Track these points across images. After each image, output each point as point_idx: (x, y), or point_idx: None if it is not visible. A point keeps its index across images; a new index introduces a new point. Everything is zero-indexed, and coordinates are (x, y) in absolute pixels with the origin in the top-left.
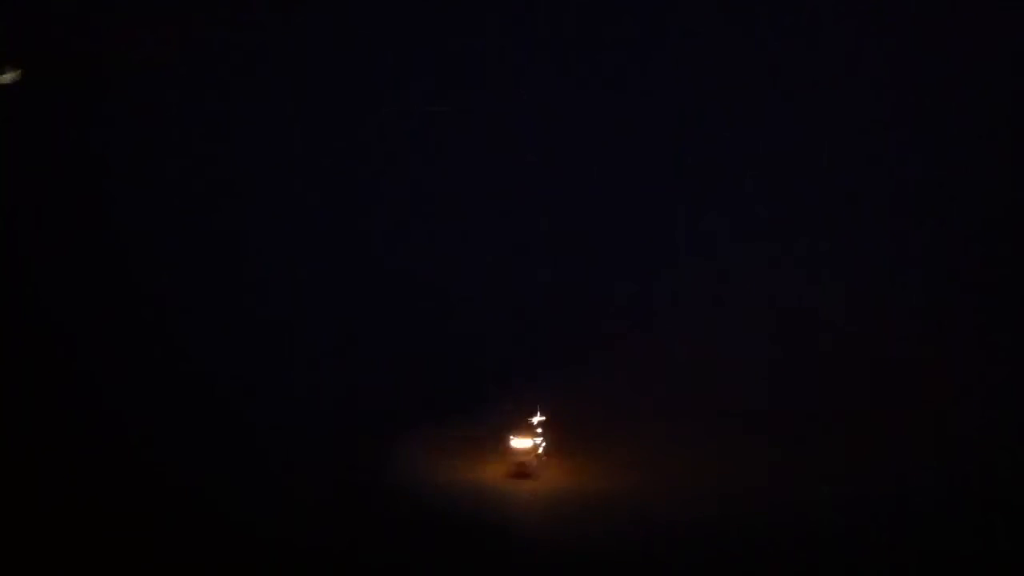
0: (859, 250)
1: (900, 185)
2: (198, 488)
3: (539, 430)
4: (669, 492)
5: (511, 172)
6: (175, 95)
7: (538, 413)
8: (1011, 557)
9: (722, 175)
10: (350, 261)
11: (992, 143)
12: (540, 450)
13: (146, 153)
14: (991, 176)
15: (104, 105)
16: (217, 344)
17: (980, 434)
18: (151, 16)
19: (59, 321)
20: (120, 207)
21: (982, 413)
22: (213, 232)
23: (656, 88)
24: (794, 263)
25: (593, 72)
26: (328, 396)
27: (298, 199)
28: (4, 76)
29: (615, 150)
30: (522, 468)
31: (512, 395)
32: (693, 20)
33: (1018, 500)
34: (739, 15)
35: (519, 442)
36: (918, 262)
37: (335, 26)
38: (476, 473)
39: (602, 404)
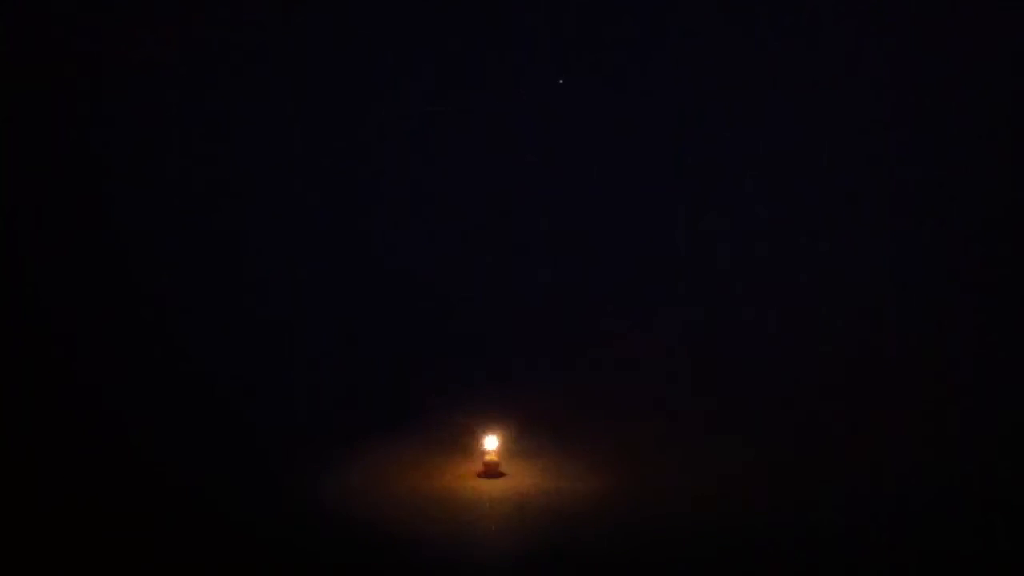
0: (859, 250)
1: (900, 185)
2: (198, 488)
3: (507, 429)
4: (642, 493)
5: (511, 172)
6: (175, 95)
7: (510, 411)
8: (1011, 557)
9: (722, 175)
10: (350, 261)
11: (992, 143)
12: (510, 447)
13: (146, 153)
14: (991, 176)
15: (104, 105)
16: (217, 344)
17: (980, 434)
18: (151, 16)
19: (59, 321)
20: (120, 207)
21: (982, 413)
22: (213, 232)
23: (656, 88)
24: (794, 263)
25: (593, 72)
26: (321, 396)
27: (298, 199)
28: None
29: (615, 150)
30: (491, 467)
31: (483, 396)
32: (693, 20)
33: (1018, 500)
34: (739, 15)
35: (488, 440)
36: (918, 262)
37: (335, 26)
38: (444, 474)
39: (594, 403)
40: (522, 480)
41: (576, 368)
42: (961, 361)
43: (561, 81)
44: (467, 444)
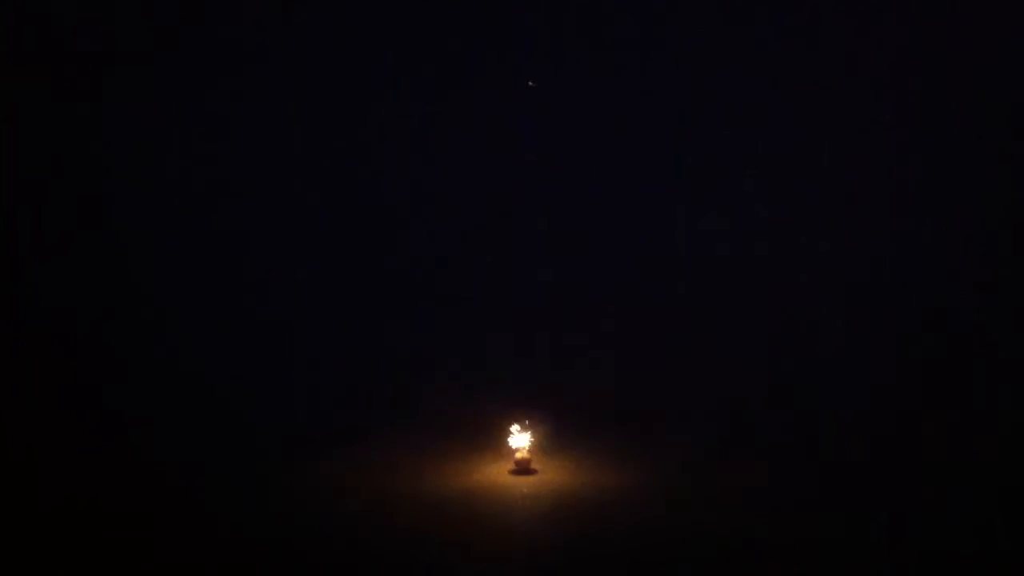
0: (859, 250)
1: (900, 185)
2: (198, 488)
3: (535, 428)
4: (663, 490)
5: (511, 172)
6: (175, 95)
7: (532, 412)
8: (1011, 557)
9: (722, 175)
10: (350, 261)
11: (992, 143)
12: (538, 446)
13: (146, 153)
14: (991, 176)
15: (104, 105)
16: (217, 344)
17: (980, 434)
18: (151, 16)
19: (59, 321)
20: (120, 207)
21: (982, 413)
22: (213, 232)
23: (656, 88)
24: (794, 263)
25: (593, 71)
26: (327, 396)
27: (298, 199)
28: None
29: (615, 150)
30: (523, 464)
31: (507, 395)
32: (693, 20)
33: (1018, 500)
34: (739, 15)
35: (518, 439)
36: (918, 262)
37: (335, 26)
38: (479, 471)
39: (600, 404)
40: (553, 476)
41: (576, 367)
42: (961, 361)
43: (531, 83)
44: (497, 444)
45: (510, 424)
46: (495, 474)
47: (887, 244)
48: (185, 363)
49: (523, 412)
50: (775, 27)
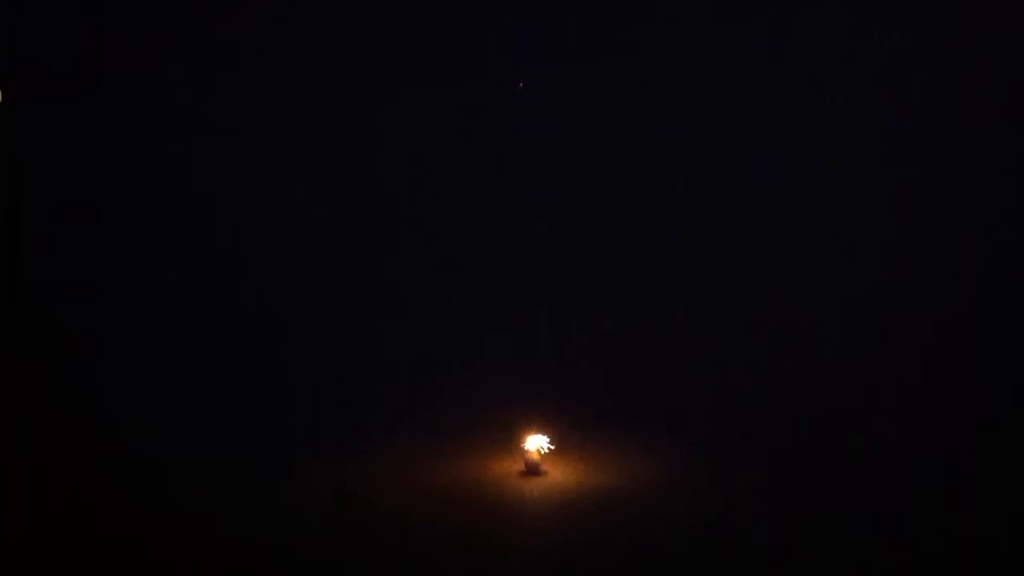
0: (859, 250)
1: (900, 185)
2: (197, 487)
3: (548, 430)
4: (670, 489)
5: (510, 171)
6: (176, 94)
7: (541, 413)
8: (1011, 557)
9: (722, 171)
10: (350, 259)
11: (992, 143)
12: (547, 447)
13: (146, 152)
14: (992, 176)
15: (105, 105)
16: (216, 343)
17: (980, 433)
18: (151, 15)
19: (61, 324)
20: (120, 207)
21: (982, 413)
22: (212, 231)
23: (657, 85)
24: (794, 261)
25: (594, 70)
26: (329, 393)
27: (299, 197)
28: None
29: (614, 149)
30: (533, 465)
31: (513, 396)
32: (694, 19)
33: (1019, 500)
34: (738, 13)
35: (529, 441)
36: (919, 261)
37: (333, 23)
38: (489, 471)
39: (604, 405)
40: (562, 477)
41: (579, 367)
42: (961, 361)
43: (521, 84)
44: (509, 445)
45: (520, 425)
46: (504, 474)
47: (887, 244)
48: (184, 362)
49: (532, 413)
50: (776, 25)
